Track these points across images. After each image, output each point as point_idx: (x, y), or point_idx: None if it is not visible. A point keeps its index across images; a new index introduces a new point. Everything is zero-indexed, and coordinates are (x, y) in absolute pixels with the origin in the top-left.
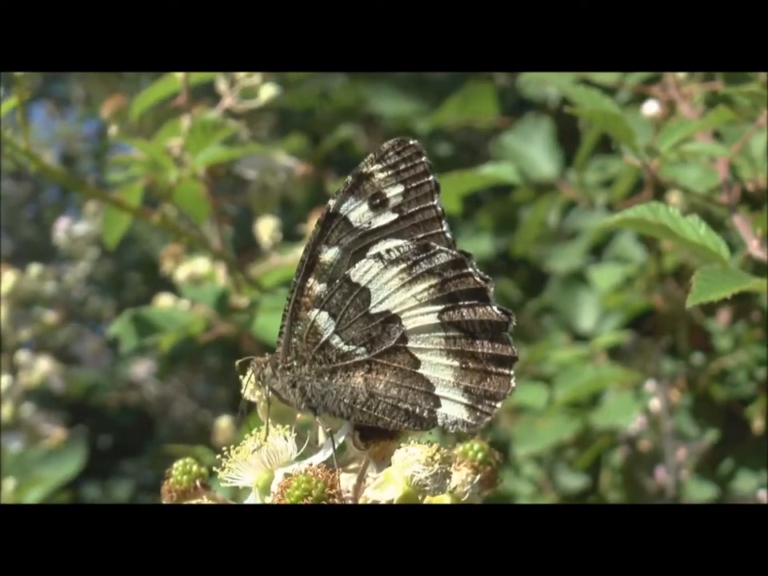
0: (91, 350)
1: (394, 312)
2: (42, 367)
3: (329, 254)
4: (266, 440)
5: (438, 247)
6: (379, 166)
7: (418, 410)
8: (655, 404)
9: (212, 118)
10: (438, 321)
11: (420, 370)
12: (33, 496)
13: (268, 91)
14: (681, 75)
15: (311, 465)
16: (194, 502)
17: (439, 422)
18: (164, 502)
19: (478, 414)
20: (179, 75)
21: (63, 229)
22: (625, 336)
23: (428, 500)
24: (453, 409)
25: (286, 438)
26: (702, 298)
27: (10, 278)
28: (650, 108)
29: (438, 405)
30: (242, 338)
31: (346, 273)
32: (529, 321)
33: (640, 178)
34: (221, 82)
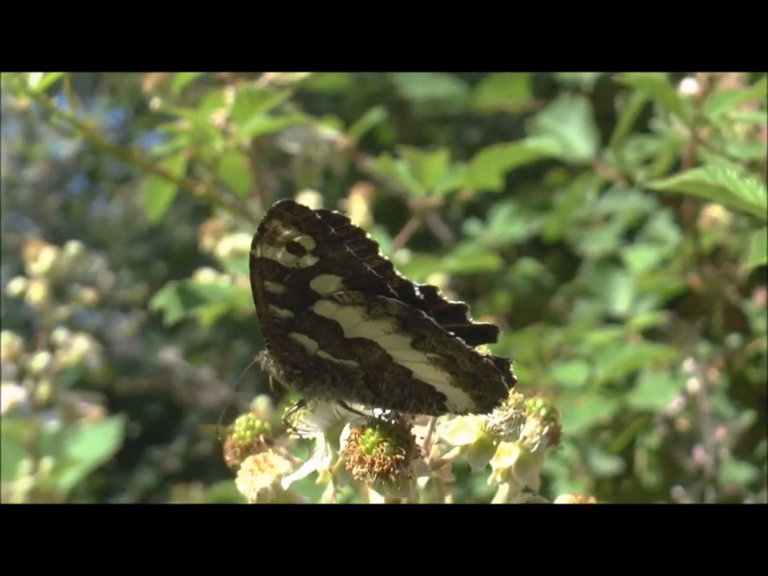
0: (122, 336)
1: (368, 338)
2: (80, 346)
3: (276, 288)
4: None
5: (387, 299)
6: (279, 222)
7: (426, 403)
8: (693, 384)
9: (259, 88)
10: (413, 348)
11: (414, 377)
12: (68, 478)
13: None
14: None
15: (383, 413)
16: (257, 457)
17: (450, 410)
18: (227, 458)
19: (485, 403)
20: None
21: (97, 213)
22: (660, 317)
23: (499, 449)
24: (460, 400)
25: None
26: (761, 260)
27: (48, 256)
28: (689, 86)
29: (444, 398)
30: None
31: (310, 308)
32: (562, 305)
33: (678, 157)
34: None
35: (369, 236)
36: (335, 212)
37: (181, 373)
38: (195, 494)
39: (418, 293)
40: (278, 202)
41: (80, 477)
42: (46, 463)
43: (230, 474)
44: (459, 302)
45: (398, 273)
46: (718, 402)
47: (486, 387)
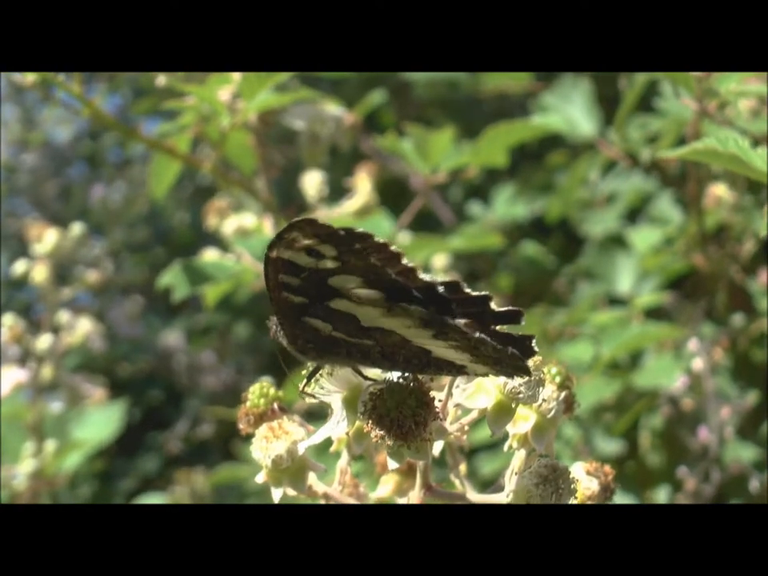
0: (122, 320)
1: (387, 329)
2: (84, 327)
3: (291, 280)
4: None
5: (410, 306)
6: (299, 233)
7: (445, 371)
8: (697, 363)
9: None
10: (434, 338)
11: (433, 355)
12: (72, 460)
13: None
14: None
15: (401, 376)
16: (272, 425)
17: (469, 374)
18: (240, 427)
19: (506, 374)
20: None
21: (98, 196)
22: (663, 297)
23: (516, 414)
24: (480, 371)
25: None
26: None
27: (52, 236)
28: None
29: (464, 368)
30: None
31: (326, 303)
32: (564, 286)
33: (682, 135)
34: None
35: (394, 248)
36: (360, 230)
37: (182, 357)
38: (197, 478)
39: (441, 290)
40: (298, 218)
41: (84, 459)
42: (50, 445)
43: (232, 456)
44: (483, 294)
45: (421, 276)
46: (722, 382)
47: (508, 366)
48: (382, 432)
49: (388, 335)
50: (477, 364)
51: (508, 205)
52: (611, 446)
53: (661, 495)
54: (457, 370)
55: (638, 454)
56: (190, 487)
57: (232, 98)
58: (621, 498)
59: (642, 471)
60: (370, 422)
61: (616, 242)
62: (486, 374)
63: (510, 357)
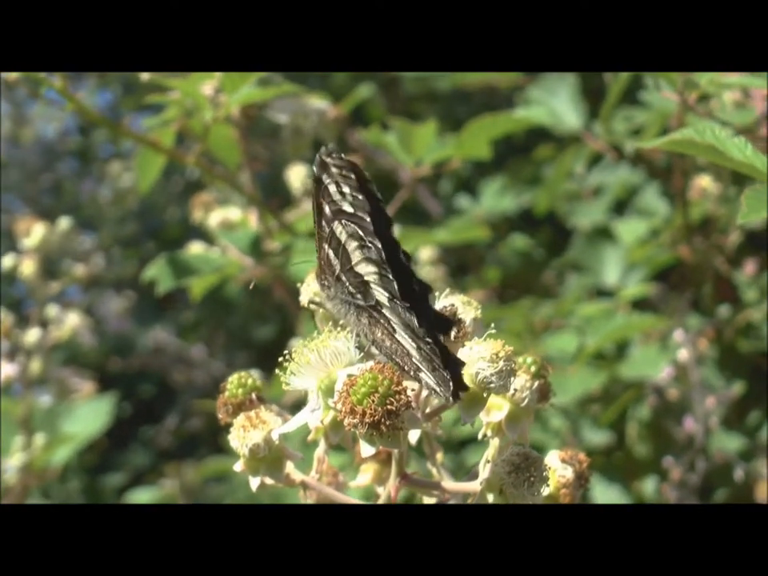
0: (112, 315)
1: (365, 277)
2: (72, 321)
3: (326, 208)
4: (325, 342)
5: (370, 240)
6: (332, 161)
7: (406, 368)
8: (683, 354)
9: None
10: (391, 303)
11: (397, 336)
12: (61, 454)
13: None
14: None
15: (375, 364)
16: (250, 414)
17: (422, 382)
18: (219, 416)
19: (441, 394)
20: None
21: (88, 191)
22: (650, 289)
23: (489, 403)
24: (428, 380)
25: (346, 340)
26: (752, 217)
27: (39, 230)
28: None
29: (419, 370)
30: (275, 284)
31: (332, 227)
32: (552, 278)
33: (666, 128)
34: None
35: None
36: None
37: (172, 351)
38: (187, 471)
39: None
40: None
41: (73, 453)
42: (39, 439)
43: (221, 449)
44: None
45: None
46: (707, 372)
47: (438, 378)
48: (354, 421)
49: (368, 290)
50: (423, 363)
51: (496, 198)
52: (599, 436)
53: (648, 485)
54: (414, 372)
55: (626, 445)
56: (180, 480)
57: (215, 92)
58: (608, 489)
59: (630, 461)
60: (343, 410)
61: (603, 234)
62: (433, 390)
63: (431, 352)
